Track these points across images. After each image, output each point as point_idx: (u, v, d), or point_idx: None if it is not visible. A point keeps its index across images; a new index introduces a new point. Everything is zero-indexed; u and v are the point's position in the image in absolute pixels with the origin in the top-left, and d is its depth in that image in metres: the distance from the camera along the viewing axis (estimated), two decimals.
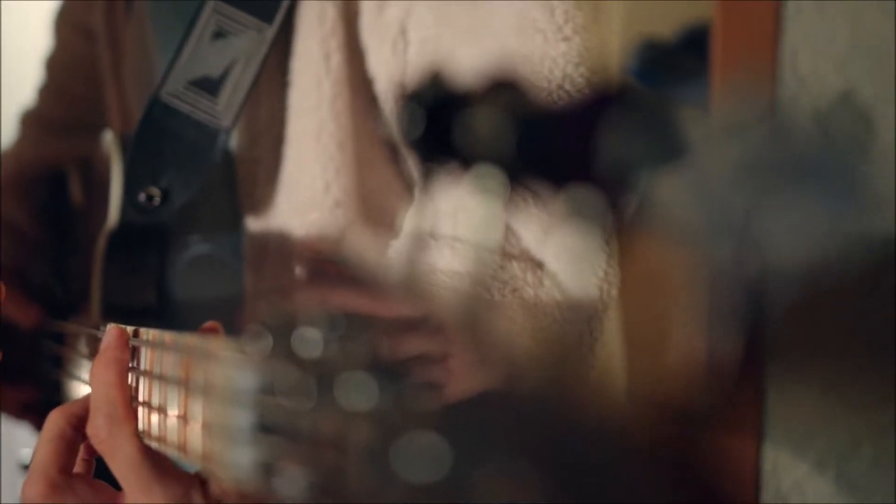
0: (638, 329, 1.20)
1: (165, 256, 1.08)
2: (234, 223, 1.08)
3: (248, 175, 1.07)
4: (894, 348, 0.59)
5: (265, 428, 0.49)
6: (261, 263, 1.07)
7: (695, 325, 0.45)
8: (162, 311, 1.09)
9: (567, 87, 0.93)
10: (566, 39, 0.93)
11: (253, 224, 1.08)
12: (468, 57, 0.97)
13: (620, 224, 0.45)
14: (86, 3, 1.29)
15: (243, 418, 0.51)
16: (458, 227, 0.81)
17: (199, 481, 0.71)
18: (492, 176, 0.39)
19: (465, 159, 0.39)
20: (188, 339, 0.66)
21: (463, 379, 0.42)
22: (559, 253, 0.85)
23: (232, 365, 0.53)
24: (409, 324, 0.46)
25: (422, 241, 0.45)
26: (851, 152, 0.44)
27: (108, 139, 1.08)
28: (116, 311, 1.08)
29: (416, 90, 0.40)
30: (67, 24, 1.35)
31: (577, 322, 0.91)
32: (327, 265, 0.49)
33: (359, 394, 0.41)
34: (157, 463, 0.71)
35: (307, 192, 1.03)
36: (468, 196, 0.40)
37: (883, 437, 0.60)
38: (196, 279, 1.09)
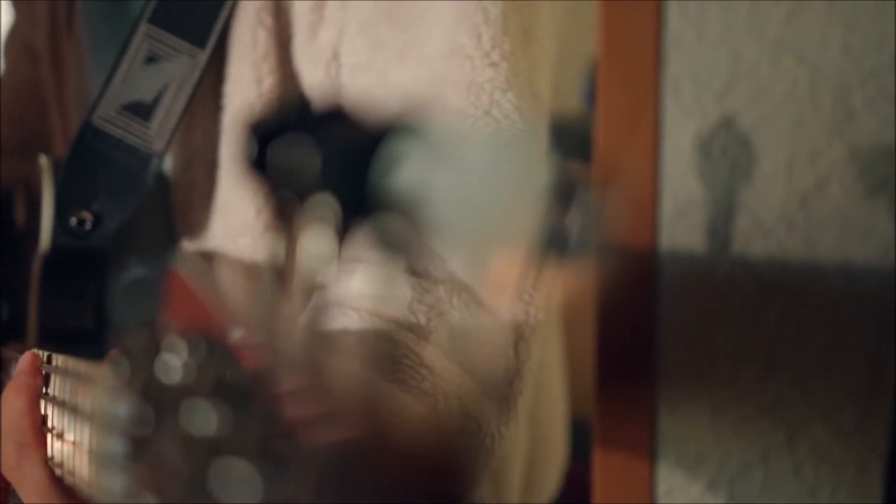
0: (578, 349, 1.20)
1: (102, 280, 1.08)
2: (170, 246, 1.09)
3: (182, 199, 1.08)
4: (783, 371, 0.60)
5: (129, 455, 0.49)
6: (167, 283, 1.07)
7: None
8: (100, 336, 1.09)
9: (494, 113, 0.93)
10: (493, 65, 0.93)
11: (188, 248, 1.08)
12: (400, 81, 0.97)
13: (555, 247, 0.46)
14: (31, 23, 1.29)
15: (112, 445, 0.51)
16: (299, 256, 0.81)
17: None
18: (325, 205, 0.39)
19: (298, 188, 0.39)
20: (84, 365, 0.66)
21: (321, 426, 0.42)
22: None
23: (104, 391, 0.53)
24: (279, 364, 0.46)
25: (282, 274, 0.45)
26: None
27: (42, 163, 1.08)
28: (53, 335, 1.09)
29: (255, 119, 0.41)
30: (15, 47, 1.35)
31: (503, 346, 0.91)
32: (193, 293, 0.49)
33: (200, 420, 0.41)
34: (65, 491, 0.72)
35: (239, 217, 1.03)
36: (305, 226, 0.40)
37: (773, 459, 0.60)
38: (133, 302, 1.09)
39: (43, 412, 0.74)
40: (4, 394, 0.76)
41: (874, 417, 0.58)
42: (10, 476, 0.74)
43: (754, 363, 0.59)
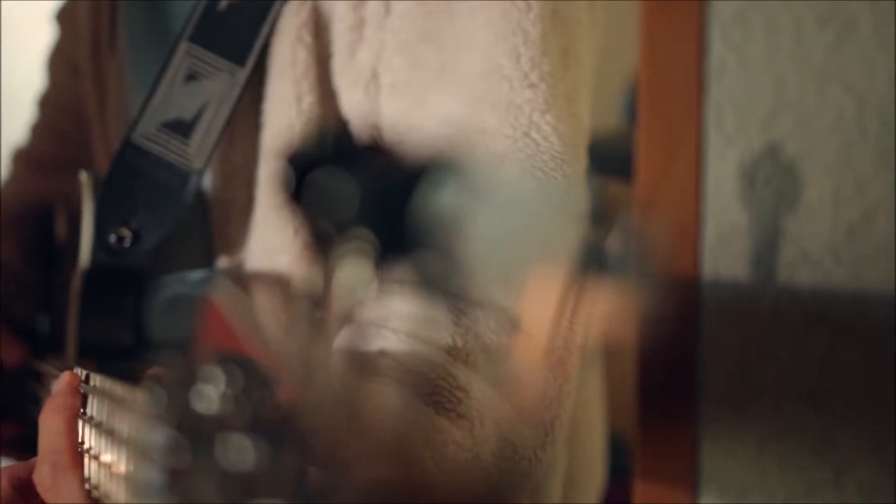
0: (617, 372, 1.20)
1: (141, 296, 1.09)
2: (209, 264, 1.09)
3: (221, 216, 1.08)
4: (828, 405, 0.59)
5: (165, 485, 0.49)
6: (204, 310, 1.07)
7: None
8: (139, 352, 1.10)
9: (533, 134, 0.93)
10: (532, 87, 0.93)
11: (226, 265, 1.08)
12: (438, 102, 0.97)
13: (594, 270, 0.45)
14: (74, 39, 1.30)
15: (147, 473, 0.51)
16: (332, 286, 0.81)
17: None
18: (362, 238, 0.39)
19: (340, 221, 0.39)
20: (121, 386, 0.66)
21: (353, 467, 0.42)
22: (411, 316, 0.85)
23: (141, 418, 0.53)
24: (312, 404, 0.45)
25: (318, 304, 0.45)
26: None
27: (83, 179, 1.09)
28: (92, 351, 1.09)
29: (293, 151, 0.40)
30: (59, 62, 1.36)
31: (541, 371, 0.90)
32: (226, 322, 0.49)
33: (235, 454, 0.41)
34: None
35: (278, 235, 1.03)
36: (340, 258, 0.40)
37: (819, 496, 0.59)
38: (172, 320, 1.09)
39: (80, 433, 0.74)
40: (42, 413, 0.76)
41: None
42: (45, 497, 0.74)
43: (799, 396, 0.58)
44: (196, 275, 1.09)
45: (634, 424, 0.57)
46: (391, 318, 0.87)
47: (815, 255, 0.55)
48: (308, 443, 0.42)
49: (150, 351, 1.09)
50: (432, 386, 0.84)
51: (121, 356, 1.09)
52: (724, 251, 0.56)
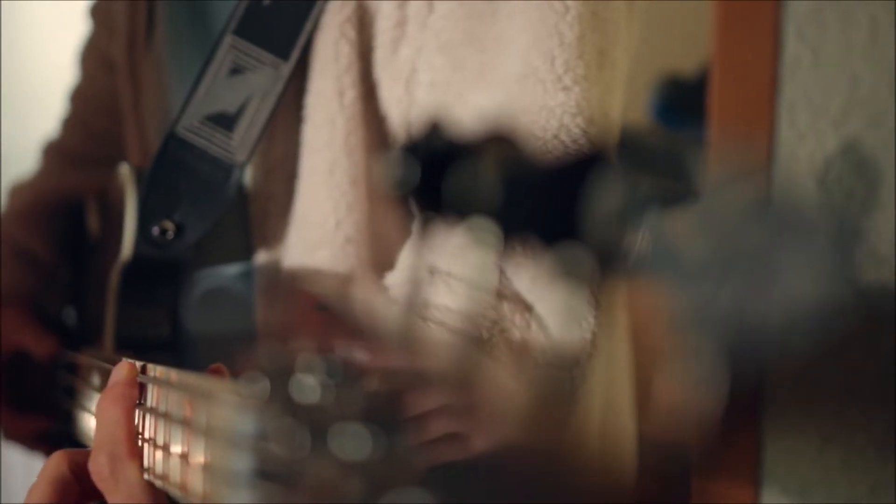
0: (642, 374, 1.20)
1: (179, 290, 1.09)
2: (247, 257, 1.09)
3: (260, 210, 1.08)
4: (892, 405, 0.59)
5: (262, 473, 0.49)
6: (272, 299, 1.07)
7: (681, 371, 0.45)
8: (176, 345, 1.10)
9: (563, 137, 0.93)
10: (565, 90, 0.93)
11: (265, 259, 1.08)
12: (477, 102, 0.97)
13: (618, 270, 0.45)
14: (109, 35, 1.30)
15: (241, 462, 0.51)
16: (453, 271, 0.81)
17: None
18: (486, 228, 0.39)
19: (460, 210, 0.39)
20: (193, 378, 0.66)
21: (478, 433, 0.42)
22: (546, 305, 0.85)
23: (231, 408, 0.53)
24: (417, 377, 0.46)
25: (418, 287, 0.45)
26: (847, 210, 0.45)
27: (124, 172, 1.09)
28: (130, 344, 1.09)
29: (412, 140, 0.40)
30: (92, 57, 1.36)
31: (561, 368, 0.91)
32: (322, 311, 0.49)
33: (352, 444, 0.41)
34: (160, 502, 0.71)
35: (318, 229, 1.03)
36: (463, 246, 0.40)
37: (880, 496, 0.59)
38: (209, 313, 1.10)
39: (139, 423, 0.74)
40: (99, 403, 0.76)
41: None
42: (102, 486, 0.74)
43: (864, 396, 0.58)
44: (234, 268, 1.09)
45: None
46: (439, 309, 0.87)
47: (884, 254, 0.56)
48: (419, 429, 0.42)
49: (186, 345, 1.09)
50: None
51: (157, 349, 1.09)
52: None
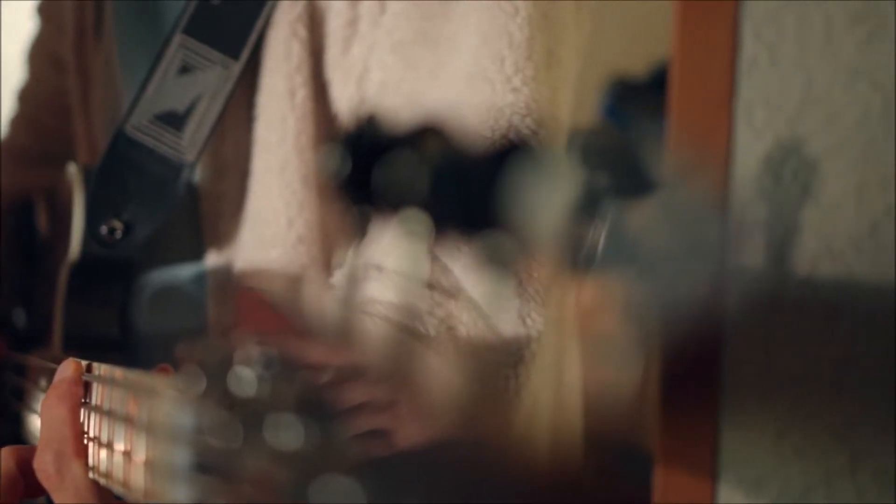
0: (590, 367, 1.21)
1: (129, 289, 1.08)
2: (199, 257, 1.09)
3: (212, 209, 1.08)
4: (848, 395, 0.60)
5: (200, 467, 0.49)
6: (224, 298, 1.07)
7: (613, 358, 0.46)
8: (125, 344, 1.09)
9: (511, 137, 0.94)
10: (514, 91, 0.94)
11: (217, 258, 1.08)
12: (429, 101, 0.97)
13: (571, 265, 0.46)
14: (57, 33, 1.29)
15: (180, 457, 0.51)
16: (388, 264, 0.82)
17: None
18: (417, 220, 0.39)
19: (392, 203, 0.39)
20: (135, 375, 0.66)
21: (408, 427, 0.42)
22: (475, 294, 0.86)
23: (171, 403, 0.53)
24: (352, 371, 0.46)
25: (354, 282, 0.45)
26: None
27: (73, 171, 1.08)
28: (79, 344, 1.08)
29: (345, 134, 0.41)
30: (40, 56, 1.35)
31: (505, 365, 0.92)
32: (265, 307, 0.49)
33: (286, 435, 0.41)
34: (105, 500, 0.71)
35: (270, 228, 1.03)
36: (396, 239, 0.40)
37: (836, 483, 0.60)
38: (160, 313, 1.09)
39: (84, 421, 0.74)
40: (44, 402, 0.76)
41: None
42: (47, 484, 0.74)
43: (819, 387, 0.59)
44: (186, 268, 1.09)
45: (656, 414, 0.58)
46: (370, 300, 0.88)
47: (838, 248, 0.57)
48: (354, 419, 0.42)
49: (135, 344, 1.09)
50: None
51: (106, 348, 1.09)
52: (748, 244, 0.57)
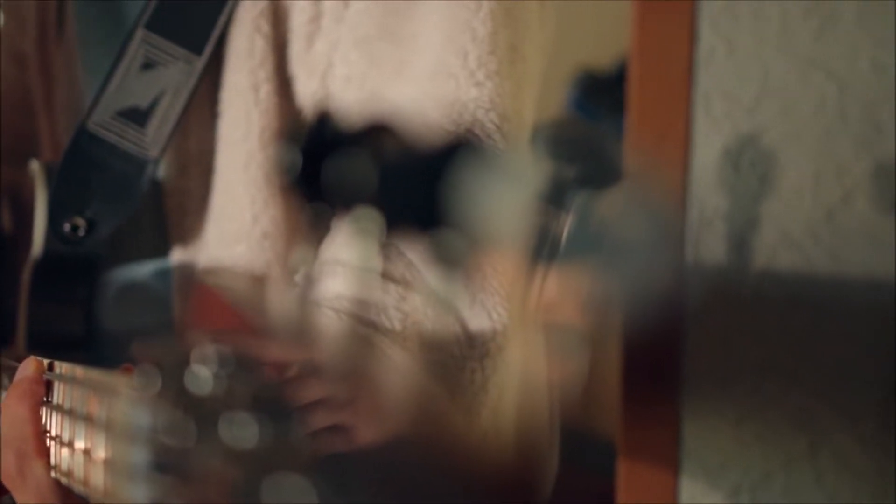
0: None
1: (93, 287, 1.07)
2: (163, 253, 1.08)
3: (176, 205, 1.07)
4: (806, 381, 0.60)
5: (158, 466, 0.49)
6: (189, 294, 1.07)
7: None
8: (90, 342, 1.08)
9: (476, 131, 0.94)
10: (478, 85, 0.94)
11: (182, 254, 1.07)
12: (393, 96, 0.97)
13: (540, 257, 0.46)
14: (19, 29, 1.28)
15: (138, 455, 0.51)
16: (342, 261, 0.82)
17: None
18: (368, 217, 0.39)
19: (344, 200, 0.39)
20: (96, 374, 0.66)
21: (368, 424, 0.42)
22: (425, 289, 0.86)
23: (129, 402, 0.53)
24: (310, 368, 0.46)
25: (315, 279, 0.45)
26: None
27: (35, 168, 1.07)
28: (43, 343, 1.08)
29: (295, 132, 0.40)
30: (2, 52, 1.34)
31: (471, 359, 0.92)
32: (223, 304, 0.49)
33: (241, 433, 0.41)
34: (68, 499, 0.71)
35: (235, 224, 1.03)
36: (348, 236, 0.40)
37: (795, 467, 0.61)
38: (125, 309, 1.08)
39: (45, 420, 0.73)
40: (5, 400, 0.75)
41: (895, 426, 0.59)
42: (9, 484, 0.73)
43: (778, 374, 0.59)
44: (151, 265, 1.08)
45: (618, 403, 0.58)
46: (332, 297, 0.87)
47: (796, 237, 0.57)
48: (309, 417, 0.42)
49: (101, 342, 1.08)
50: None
51: (72, 346, 1.08)
52: (708, 234, 0.57)
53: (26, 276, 1.07)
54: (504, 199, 0.43)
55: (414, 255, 0.39)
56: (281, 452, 0.39)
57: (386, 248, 0.75)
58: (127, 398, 0.54)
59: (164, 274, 1.08)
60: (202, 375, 0.47)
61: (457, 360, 0.91)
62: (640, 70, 0.59)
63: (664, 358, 0.59)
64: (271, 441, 0.40)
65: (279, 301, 0.60)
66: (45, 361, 0.76)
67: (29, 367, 0.75)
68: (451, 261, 0.36)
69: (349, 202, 0.39)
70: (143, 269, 1.09)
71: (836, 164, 0.57)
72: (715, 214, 0.57)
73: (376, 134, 0.39)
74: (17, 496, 0.73)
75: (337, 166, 0.38)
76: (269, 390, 0.44)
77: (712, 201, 0.57)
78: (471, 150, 0.37)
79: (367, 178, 0.38)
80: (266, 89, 1.02)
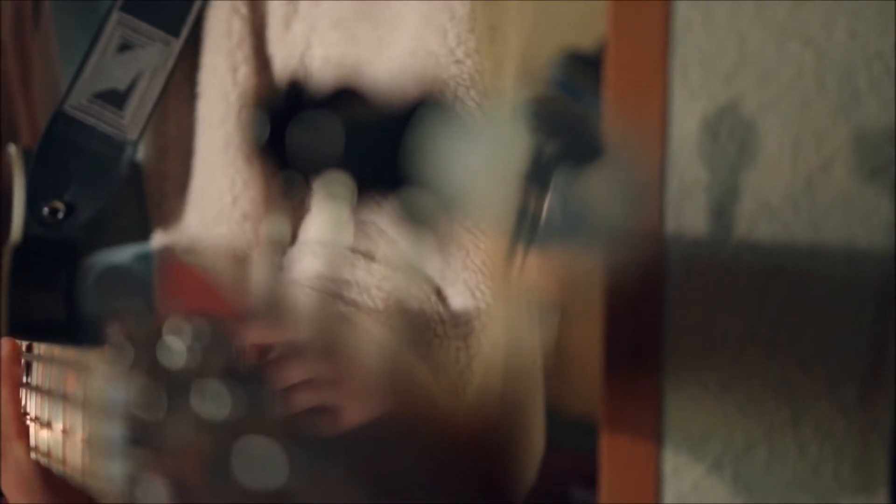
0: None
1: (74, 270, 1.07)
2: (144, 237, 1.08)
3: (156, 188, 1.06)
4: (787, 351, 0.60)
5: (133, 440, 0.48)
6: (169, 276, 1.06)
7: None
8: (71, 326, 1.08)
9: (457, 109, 0.94)
10: (458, 62, 0.94)
11: (162, 238, 1.07)
12: (373, 75, 0.97)
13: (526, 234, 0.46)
14: None
15: (113, 431, 0.50)
16: (313, 232, 0.81)
17: (89, 498, 0.70)
18: (339, 182, 0.39)
19: (312, 165, 0.39)
20: (72, 352, 0.65)
21: (352, 404, 0.42)
22: (396, 252, 0.86)
23: (103, 377, 0.52)
24: (293, 349, 0.45)
25: (279, 251, 0.45)
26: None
27: (12, 152, 1.07)
28: (24, 328, 1.07)
29: (264, 98, 0.40)
30: None
31: (455, 338, 0.92)
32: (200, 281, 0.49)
33: (214, 402, 0.41)
34: (48, 479, 0.71)
35: (215, 206, 1.02)
36: (318, 202, 0.39)
37: (777, 437, 0.61)
38: (105, 293, 1.08)
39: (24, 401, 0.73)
40: None
41: (876, 395, 0.59)
42: None
43: (759, 343, 0.59)
44: (131, 249, 1.08)
45: (600, 376, 0.58)
46: (313, 276, 0.87)
47: (775, 205, 0.57)
48: (283, 388, 0.42)
49: (81, 326, 1.07)
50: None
51: (52, 331, 1.07)
52: (687, 204, 0.57)
53: (5, 261, 1.06)
54: (476, 158, 0.42)
55: (385, 217, 0.39)
56: (253, 420, 0.38)
57: (364, 226, 0.75)
58: (101, 373, 0.53)
59: (145, 258, 1.08)
60: (175, 347, 0.47)
61: (441, 339, 0.91)
62: (617, 42, 0.58)
63: (644, 330, 0.59)
64: (244, 410, 0.39)
65: (259, 281, 0.59)
66: (24, 343, 0.75)
67: (5, 347, 0.74)
68: (420, 220, 0.36)
69: (319, 167, 0.39)
70: (123, 253, 1.08)
71: (814, 132, 0.57)
72: (694, 185, 0.57)
73: (346, 98, 0.39)
74: None
75: (305, 130, 0.38)
76: (241, 361, 0.44)
77: (691, 171, 0.57)
78: (438, 108, 0.36)
79: (336, 142, 0.37)
80: (244, 71, 1.02)
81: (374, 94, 0.38)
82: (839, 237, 0.57)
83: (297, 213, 0.88)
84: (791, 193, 0.56)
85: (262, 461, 0.35)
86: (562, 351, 1.00)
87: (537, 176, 0.46)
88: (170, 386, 0.44)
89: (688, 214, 0.57)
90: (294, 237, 0.92)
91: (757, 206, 0.56)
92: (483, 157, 0.44)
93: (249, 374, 0.42)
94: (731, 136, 0.56)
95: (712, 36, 0.57)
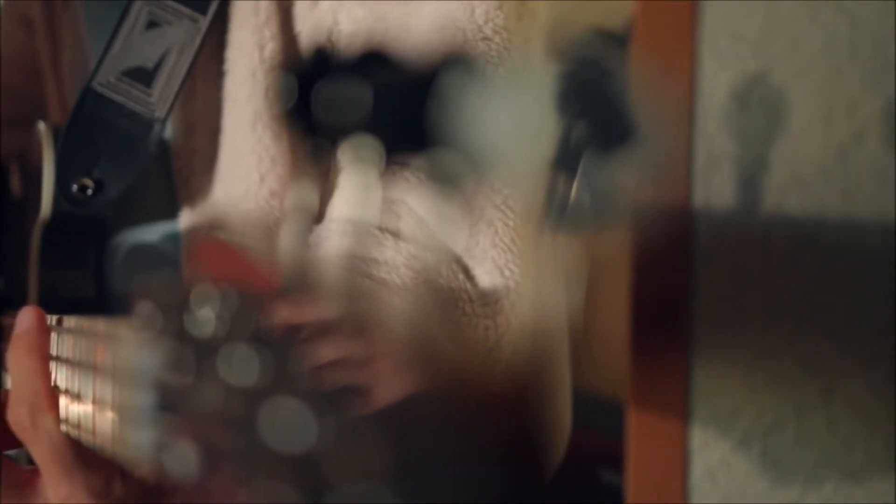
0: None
1: (103, 247, 1.07)
2: (172, 215, 1.08)
3: (184, 166, 1.07)
4: (818, 324, 0.60)
5: (161, 406, 0.48)
6: (197, 251, 1.06)
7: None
8: (101, 303, 1.08)
9: (484, 69, 0.94)
10: (486, 39, 0.94)
11: (190, 216, 1.07)
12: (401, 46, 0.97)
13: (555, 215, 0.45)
14: None
15: (143, 399, 0.51)
16: (341, 207, 0.82)
17: (120, 469, 0.71)
18: (366, 145, 0.39)
19: (340, 129, 0.38)
20: (99, 323, 0.65)
21: (387, 383, 0.42)
22: (423, 213, 0.85)
23: (131, 346, 0.52)
24: (326, 327, 0.45)
25: (307, 219, 0.45)
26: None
27: (42, 130, 1.07)
28: (54, 304, 1.07)
29: (291, 63, 0.40)
30: (8, 17, 1.34)
31: (484, 317, 0.92)
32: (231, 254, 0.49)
33: (241, 367, 0.41)
34: (80, 451, 0.71)
35: (242, 183, 1.03)
36: (346, 165, 0.39)
37: (806, 414, 0.61)
38: (134, 270, 1.08)
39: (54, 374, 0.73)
40: (12, 353, 0.75)
41: None
42: (22, 437, 0.73)
43: (789, 316, 0.59)
44: (160, 226, 1.08)
45: (628, 350, 0.58)
46: (343, 256, 0.87)
47: (806, 176, 0.56)
48: (311, 354, 0.41)
49: (111, 302, 1.08)
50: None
51: (82, 308, 1.08)
52: (716, 176, 0.56)
53: (35, 238, 1.07)
54: (505, 119, 0.42)
55: (413, 195, 0.38)
56: (282, 384, 0.38)
57: (393, 204, 0.74)
58: (129, 341, 0.53)
59: (174, 236, 1.08)
60: (204, 316, 0.47)
61: (469, 317, 0.91)
62: (644, 10, 0.58)
63: (672, 305, 0.58)
64: (273, 374, 0.39)
65: (288, 253, 0.59)
66: (53, 317, 0.76)
67: (31, 317, 0.75)
68: (448, 180, 0.36)
69: (346, 131, 0.39)
70: (152, 232, 1.08)
71: (846, 102, 0.56)
72: (723, 155, 0.56)
73: (372, 62, 0.38)
74: (31, 449, 0.73)
75: (331, 93, 0.38)
76: (270, 328, 0.44)
77: (720, 142, 0.56)
78: (466, 68, 0.36)
79: (363, 104, 0.37)
80: (271, 48, 1.02)
81: (400, 57, 0.38)
82: (872, 208, 0.56)
83: (324, 189, 0.88)
84: (823, 164, 0.56)
85: (291, 424, 0.35)
86: (589, 332, 1.00)
87: (566, 158, 0.46)
88: (198, 352, 0.44)
89: (716, 187, 0.56)
90: (321, 215, 0.92)
91: (787, 178, 0.56)
92: (511, 121, 0.44)
93: (278, 340, 0.42)
94: (760, 106, 0.56)
95: (741, 4, 0.56)
